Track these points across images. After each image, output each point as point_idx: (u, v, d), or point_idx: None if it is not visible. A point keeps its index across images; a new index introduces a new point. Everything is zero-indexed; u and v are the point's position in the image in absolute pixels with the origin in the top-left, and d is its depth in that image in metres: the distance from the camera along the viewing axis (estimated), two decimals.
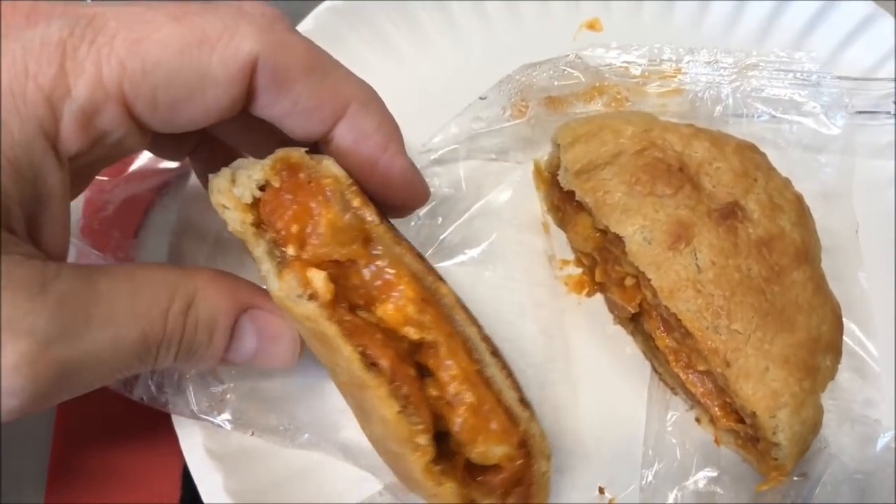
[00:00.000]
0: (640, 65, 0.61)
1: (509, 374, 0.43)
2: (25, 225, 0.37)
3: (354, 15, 0.64)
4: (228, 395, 0.52)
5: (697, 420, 0.55)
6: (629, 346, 0.58)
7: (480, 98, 0.60)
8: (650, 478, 0.53)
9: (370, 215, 0.41)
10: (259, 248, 0.40)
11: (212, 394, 0.51)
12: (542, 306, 0.58)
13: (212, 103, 0.39)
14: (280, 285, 0.39)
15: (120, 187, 0.62)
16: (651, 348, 0.56)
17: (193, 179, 0.57)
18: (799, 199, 0.53)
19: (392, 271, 0.41)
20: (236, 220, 0.40)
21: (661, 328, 0.54)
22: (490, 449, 0.41)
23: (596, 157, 0.53)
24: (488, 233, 0.59)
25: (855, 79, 0.62)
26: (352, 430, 0.51)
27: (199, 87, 0.38)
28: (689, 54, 0.61)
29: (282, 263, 0.40)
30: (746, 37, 0.66)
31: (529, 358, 0.55)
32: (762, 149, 0.57)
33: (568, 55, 0.59)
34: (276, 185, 0.40)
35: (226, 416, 0.51)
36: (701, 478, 0.53)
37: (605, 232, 0.53)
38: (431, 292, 0.42)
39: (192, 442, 0.51)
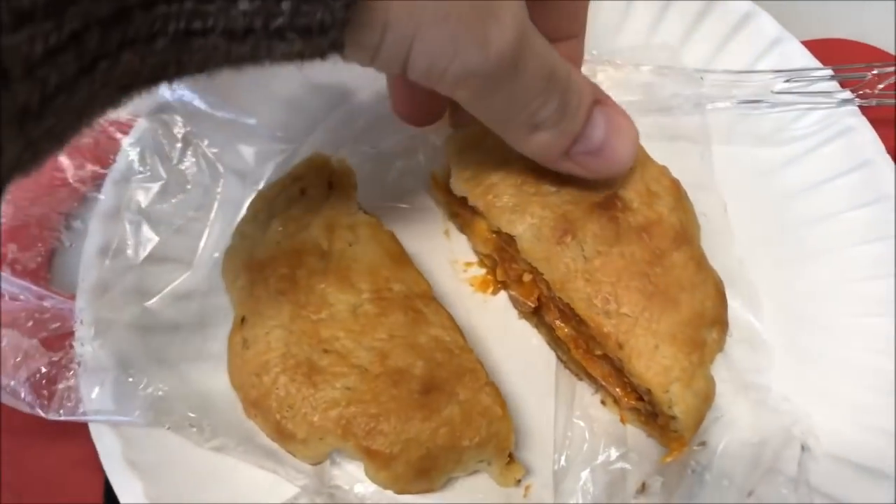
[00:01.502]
0: None
1: None
2: None
3: None
4: (145, 391, 0.52)
5: (603, 402, 0.57)
6: (535, 338, 0.60)
7: None
8: (562, 462, 0.54)
9: None
10: None
11: (128, 389, 0.51)
12: (449, 307, 0.59)
13: None
14: None
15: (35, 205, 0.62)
16: (554, 339, 0.58)
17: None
18: (675, 185, 0.55)
19: None
20: None
21: (559, 319, 0.56)
22: None
23: (483, 162, 0.54)
24: None
25: (736, 72, 0.65)
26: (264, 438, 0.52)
27: None
28: None
29: None
30: (634, 37, 0.68)
31: None
32: (643, 141, 0.60)
33: None
34: None
35: (141, 411, 0.51)
36: (610, 456, 0.54)
37: (499, 233, 0.54)
38: None
39: (110, 450, 0.51)
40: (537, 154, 0.47)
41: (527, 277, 0.55)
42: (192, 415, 0.52)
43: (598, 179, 0.51)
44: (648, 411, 0.53)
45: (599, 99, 0.46)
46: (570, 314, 0.53)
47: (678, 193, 0.55)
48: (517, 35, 0.38)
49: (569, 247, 0.51)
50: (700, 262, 0.53)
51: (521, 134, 0.45)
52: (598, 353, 0.53)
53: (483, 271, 0.62)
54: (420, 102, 0.54)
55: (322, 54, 0.34)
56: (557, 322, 0.56)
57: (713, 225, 0.58)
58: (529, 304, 0.56)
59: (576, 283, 0.51)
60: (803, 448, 0.53)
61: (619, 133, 0.47)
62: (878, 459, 0.52)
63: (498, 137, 0.53)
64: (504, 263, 0.58)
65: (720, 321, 0.53)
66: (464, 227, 0.62)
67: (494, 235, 0.56)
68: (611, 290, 0.50)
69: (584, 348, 0.55)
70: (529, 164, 0.52)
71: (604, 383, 0.55)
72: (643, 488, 0.53)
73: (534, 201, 0.52)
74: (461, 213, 0.60)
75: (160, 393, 0.52)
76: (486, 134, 0.54)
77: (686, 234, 0.53)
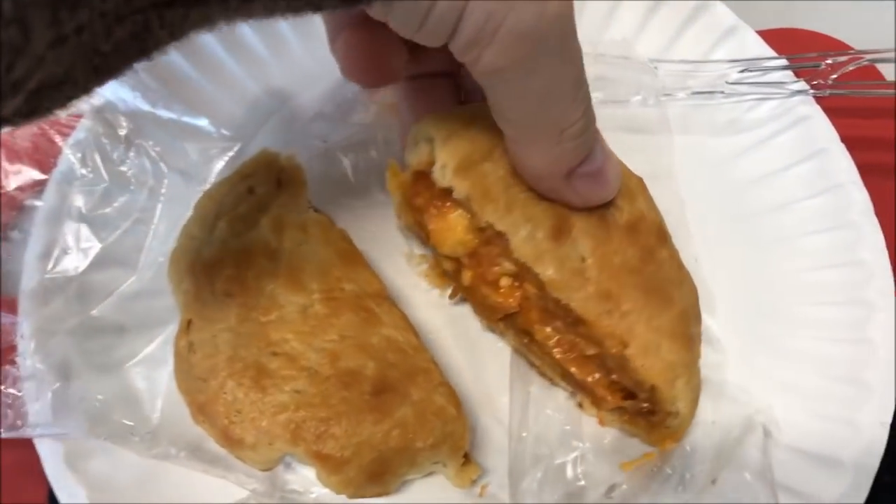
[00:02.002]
0: None
1: None
2: None
3: None
4: (82, 401, 0.50)
5: (580, 405, 0.55)
6: (491, 335, 0.58)
7: None
8: (518, 461, 0.53)
9: None
10: None
11: (66, 400, 0.50)
12: (404, 305, 0.58)
13: None
14: None
15: None
16: (525, 344, 0.55)
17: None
18: (642, 183, 0.54)
19: None
20: None
21: (539, 323, 0.52)
22: None
23: (472, 151, 0.49)
24: None
25: (691, 62, 0.64)
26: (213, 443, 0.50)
27: None
28: None
29: None
30: (589, 29, 0.66)
31: None
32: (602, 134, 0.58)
33: None
34: None
35: (77, 423, 0.49)
36: (567, 456, 0.53)
37: (482, 231, 0.50)
38: None
39: (53, 456, 0.49)
40: (551, 169, 0.45)
41: (505, 281, 0.51)
42: (129, 423, 0.50)
43: (593, 204, 0.48)
44: (637, 410, 0.52)
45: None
46: (559, 316, 0.50)
47: (647, 191, 0.54)
48: (570, 6, 0.36)
49: (564, 246, 0.48)
50: (678, 259, 0.52)
51: (550, 138, 0.42)
52: (591, 352, 0.51)
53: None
54: (374, 57, 0.47)
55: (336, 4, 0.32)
56: (537, 326, 0.52)
57: (671, 220, 0.57)
58: (508, 307, 0.52)
59: (575, 283, 0.47)
60: (766, 433, 0.52)
61: (611, 160, 0.47)
62: (833, 448, 0.52)
63: (482, 125, 0.48)
64: (478, 268, 0.53)
65: (698, 316, 0.52)
66: (422, 228, 0.55)
67: (471, 236, 0.51)
68: (610, 289, 0.48)
69: (567, 349, 0.52)
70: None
71: (590, 383, 0.52)
72: (611, 489, 0.53)
73: (523, 199, 0.48)
74: (427, 208, 0.54)
75: (96, 403, 0.50)
76: (472, 119, 0.50)
77: (663, 230, 0.52)
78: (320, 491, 0.51)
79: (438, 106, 0.52)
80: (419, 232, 0.57)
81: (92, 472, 0.49)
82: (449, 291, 0.60)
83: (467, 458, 0.51)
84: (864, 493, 0.50)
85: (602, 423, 0.55)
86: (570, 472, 0.53)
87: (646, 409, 0.51)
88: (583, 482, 0.52)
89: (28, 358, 0.50)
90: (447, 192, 0.50)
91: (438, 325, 0.58)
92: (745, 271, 0.59)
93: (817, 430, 0.53)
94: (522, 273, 0.50)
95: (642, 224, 0.51)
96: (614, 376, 0.51)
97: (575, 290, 0.47)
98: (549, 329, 0.52)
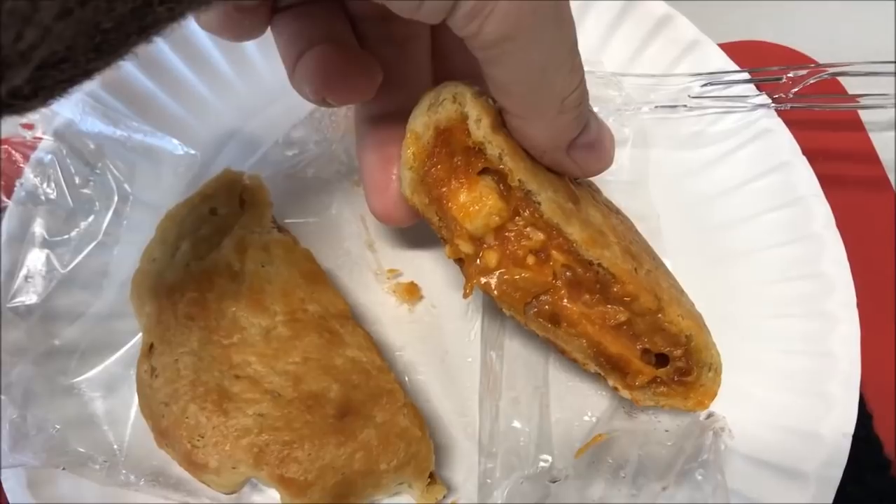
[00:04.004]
0: None
1: None
2: None
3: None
4: (40, 430, 0.48)
5: (615, 388, 0.50)
6: (458, 349, 0.57)
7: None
8: (487, 477, 0.51)
9: None
10: None
11: (24, 431, 0.47)
12: (371, 323, 0.56)
13: None
14: None
15: None
16: (552, 330, 0.49)
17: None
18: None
19: None
20: None
21: (568, 298, 0.47)
22: None
23: (495, 114, 0.44)
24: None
25: (654, 76, 0.63)
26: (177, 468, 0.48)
27: None
28: None
29: None
30: None
31: None
32: None
33: None
34: None
35: (34, 453, 0.47)
36: (536, 468, 0.52)
37: (511, 198, 0.45)
38: None
39: (16, 486, 0.47)
40: (553, 141, 0.43)
41: (531, 259, 0.46)
42: (84, 451, 0.48)
43: (592, 174, 0.47)
44: (671, 376, 0.49)
45: None
46: (590, 284, 0.46)
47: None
48: None
49: (582, 210, 0.46)
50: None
51: (551, 109, 0.40)
52: (623, 319, 0.47)
53: (407, 280, 0.58)
54: (346, 75, 0.45)
55: None
56: (567, 301, 0.47)
57: (644, 231, 0.56)
58: (546, 281, 0.47)
59: (602, 241, 0.45)
60: (715, 433, 0.51)
61: (607, 131, 0.46)
62: (796, 459, 0.50)
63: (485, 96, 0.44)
64: (505, 244, 0.46)
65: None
66: (452, 200, 0.47)
67: (503, 204, 0.45)
68: (630, 249, 0.46)
69: (600, 323, 0.48)
70: None
71: (625, 355, 0.48)
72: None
73: (541, 169, 0.45)
74: (450, 182, 0.46)
75: (54, 431, 0.47)
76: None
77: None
78: None
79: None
80: (437, 211, 0.48)
81: (56, 501, 0.47)
82: (417, 307, 0.58)
83: (433, 478, 0.49)
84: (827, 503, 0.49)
85: (637, 402, 0.50)
86: (539, 484, 0.51)
87: (681, 369, 0.49)
88: (552, 494, 0.50)
89: None
90: (472, 159, 0.45)
91: (407, 341, 0.57)
92: (708, 284, 0.57)
93: (780, 442, 0.51)
94: (550, 241, 0.45)
95: (613, 205, 0.51)
96: (646, 344, 0.48)
97: (606, 247, 0.45)
98: (579, 304, 0.48)
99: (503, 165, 0.43)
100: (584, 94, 0.41)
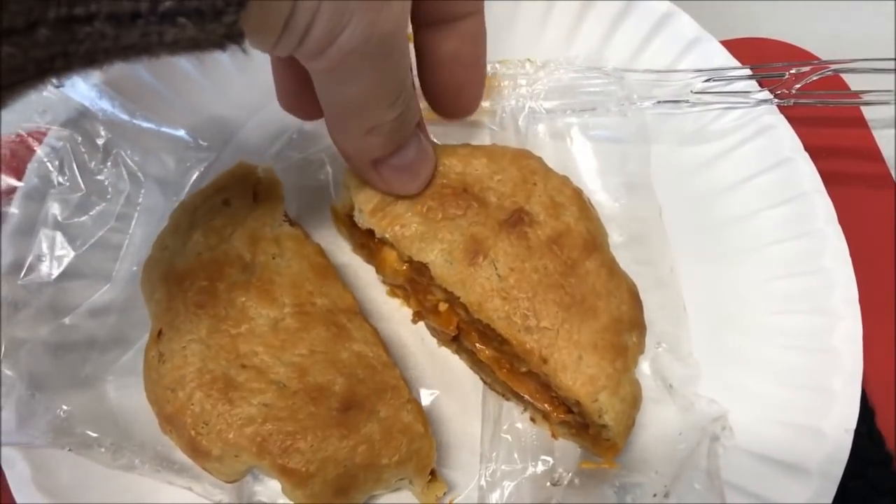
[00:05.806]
0: None
1: None
2: None
3: None
4: (47, 412, 0.47)
5: (532, 420, 0.53)
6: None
7: None
8: (488, 476, 0.50)
9: None
10: None
11: (32, 410, 0.46)
12: (377, 321, 0.55)
13: None
14: None
15: None
16: (476, 362, 0.53)
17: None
18: (578, 194, 0.51)
19: None
20: None
21: (479, 342, 0.51)
22: None
23: (375, 201, 0.49)
24: None
25: (657, 71, 0.61)
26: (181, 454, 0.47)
27: None
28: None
29: None
30: (556, 39, 0.63)
31: None
32: (569, 145, 0.56)
33: None
34: None
35: (40, 433, 0.46)
36: (536, 470, 0.50)
37: (411, 262, 0.49)
38: None
39: (21, 476, 0.46)
40: (357, 155, 0.45)
41: (443, 307, 0.51)
42: (93, 434, 0.46)
43: (399, 193, 0.48)
44: (579, 423, 0.49)
45: (420, 123, 0.46)
46: (490, 335, 0.49)
47: (581, 202, 0.51)
48: (401, 24, 0.37)
49: (482, 267, 0.47)
50: (612, 268, 0.49)
51: (357, 131, 0.42)
52: (524, 370, 0.49)
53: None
54: (306, 95, 0.47)
55: (219, 42, 0.31)
56: (478, 346, 0.51)
57: (647, 228, 0.54)
58: (449, 332, 0.51)
59: (493, 303, 0.46)
60: (713, 438, 0.49)
61: (425, 159, 0.47)
62: (799, 455, 0.49)
63: None
64: (417, 294, 0.53)
65: (638, 324, 0.49)
66: (371, 259, 0.56)
67: (405, 266, 0.51)
68: (528, 306, 0.46)
69: (507, 368, 0.50)
70: (432, 191, 0.48)
71: (531, 400, 0.50)
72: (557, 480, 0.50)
73: (441, 226, 0.48)
74: (367, 244, 0.55)
75: (62, 413, 0.46)
76: None
77: (595, 241, 0.49)
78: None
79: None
80: (371, 263, 0.57)
81: (60, 490, 0.46)
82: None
83: (434, 475, 0.48)
84: (829, 499, 0.47)
85: (554, 435, 0.52)
86: (539, 487, 0.50)
87: (582, 422, 0.49)
88: (553, 495, 0.49)
89: None
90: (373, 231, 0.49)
91: (412, 339, 0.56)
92: (711, 281, 0.56)
93: (783, 438, 0.50)
94: (451, 298, 0.49)
95: (566, 238, 0.49)
96: (553, 392, 0.49)
97: (493, 310, 0.46)
98: (488, 350, 0.51)
99: (392, 243, 0.48)
100: (401, 125, 0.42)
